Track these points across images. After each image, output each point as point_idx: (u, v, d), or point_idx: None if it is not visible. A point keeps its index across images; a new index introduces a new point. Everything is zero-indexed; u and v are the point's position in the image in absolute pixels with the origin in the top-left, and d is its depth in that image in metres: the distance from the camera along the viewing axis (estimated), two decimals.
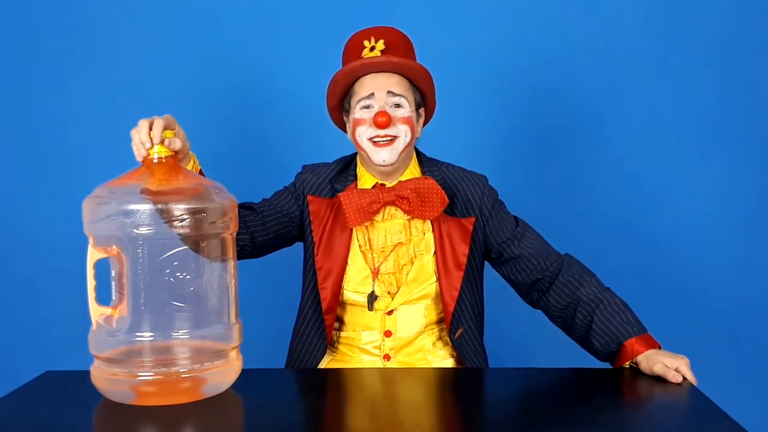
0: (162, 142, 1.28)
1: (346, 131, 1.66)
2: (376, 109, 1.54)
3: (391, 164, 1.56)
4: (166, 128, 1.30)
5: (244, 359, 1.33)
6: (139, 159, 1.30)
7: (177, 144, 1.30)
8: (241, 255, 1.59)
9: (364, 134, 1.55)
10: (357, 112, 1.56)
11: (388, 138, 1.53)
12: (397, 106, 1.55)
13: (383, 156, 1.54)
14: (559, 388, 1.39)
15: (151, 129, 1.28)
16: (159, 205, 1.19)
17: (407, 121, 1.55)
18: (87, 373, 1.27)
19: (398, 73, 1.56)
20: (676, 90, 2.27)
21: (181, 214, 1.20)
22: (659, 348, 1.46)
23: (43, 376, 1.41)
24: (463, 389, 1.41)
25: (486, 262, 1.69)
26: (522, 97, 2.30)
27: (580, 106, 2.29)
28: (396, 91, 1.55)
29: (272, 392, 1.33)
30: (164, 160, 1.28)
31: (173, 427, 1.15)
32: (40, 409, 1.24)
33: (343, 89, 1.60)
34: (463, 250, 1.59)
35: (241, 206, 1.58)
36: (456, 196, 1.62)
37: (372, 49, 1.55)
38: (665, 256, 2.30)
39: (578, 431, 1.16)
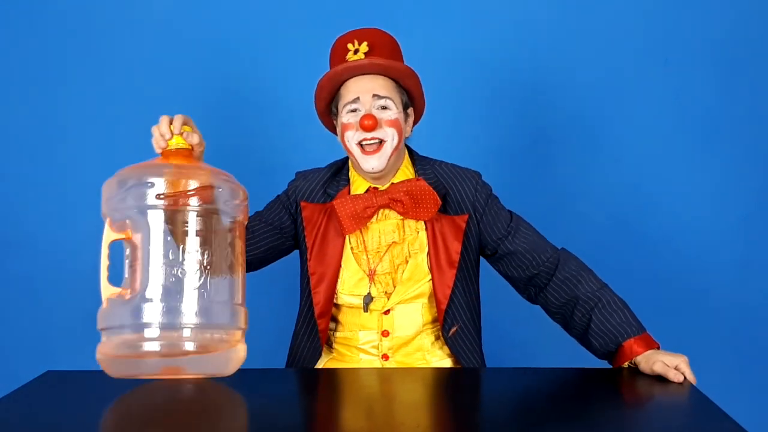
0: (180, 134, 1.36)
1: (336, 134, 1.66)
2: (362, 113, 1.54)
3: (380, 171, 1.56)
4: (184, 124, 1.37)
5: (245, 360, 1.33)
6: (158, 150, 1.36)
7: (195, 138, 1.37)
8: None
9: (352, 139, 1.55)
10: (344, 117, 1.56)
11: (376, 141, 1.54)
12: (384, 108, 1.55)
13: (372, 164, 1.54)
14: (559, 388, 1.39)
15: (171, 124, 1.36)
16: (175, 180, 1.24)
17: (394, 123, 1.55)
18: (88, 372, 1.28)
19: (383, 75, 1.56)
20: (676, 90, 2.27)
21: (195, 189, 1.25)
22: (658, 348, 1.46)
23: (44, 375, 1.41)
24: (462, 389, 1.41)
25: (482, 259, 1.69)
26: (520, 98, 2.30)
27: (579, 106, 2.29)
28: (381, 93, 1.55)
29: (273, 392, 1.33)
30: (181, 151, 1.35)
31: (175, 427, 1.15)
32: (41, 409, 1.24)
33: (329, 94, 1.60)
34: (455, 247, 1.59)
35: None
36: (449, 194, 1.62)
37: (356, 51, 1.54)
38: (665, 257, 2.30)
39: (578, 431, 1.16)
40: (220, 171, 1.33)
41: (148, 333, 1.21)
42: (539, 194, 2.27)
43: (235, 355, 1.29)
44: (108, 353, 1.24)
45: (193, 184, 1.26)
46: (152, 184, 1.24)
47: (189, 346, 1.22)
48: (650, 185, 2.30)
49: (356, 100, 1.55)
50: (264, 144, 2.31)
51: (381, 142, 1.54)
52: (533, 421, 1.20)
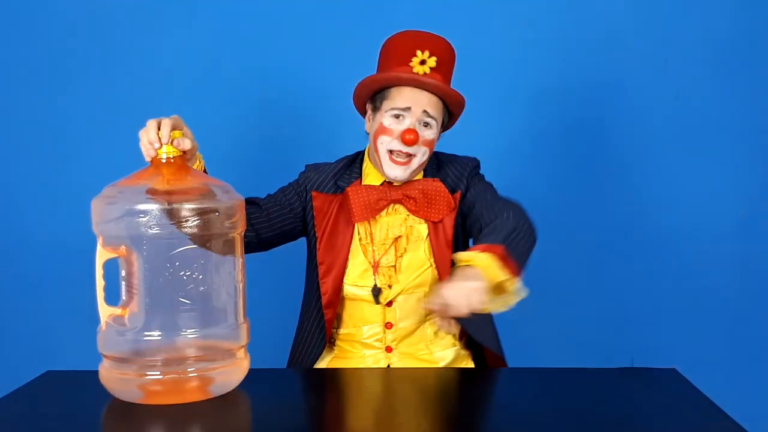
0: (171, 142, 1.28)
1: (364, 117, 1.66)
2: (407, 124, 1.54)
3: (402, 181, 1.58)
4: (174, 128, 1.30)
5: (250, 357, 1.33)
6: (148, 159, 1.30)
7: (186, 144, 1.30)
8: (247, 249, 1.58)
9: (386, 144, 1.56)
10: (386, 119, 1.56)
11: (407, 154, 1.54)
12: (427, 125, 1.56)
13: (396, 173, 1.56)
14: (560, 388, 1.39)
15: (159, 129, 1.29)
16: (167, 206, 1.20)
17: (429, 143, 1.57)
18: (88, 372, 1.27)
19: (439, 96, 1.57)
20: (676, 90, 2.27)
21: (190, 215, 1.21)
22: (501, 257, 1.31)
23: (44, 375, 1.41)
24: (463, 390, 1.41)
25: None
26: (519, 99, 2.30)
27: (579, 106, 2.29)
28: (431, 112, 1.55)
29: (276, 392, 1.33)
30: (172, 160, 1.28)
31: (178, 426, 1.15)
32: (41, 409, 1.24)
33: (381, 88, 1.59)
34: (449, 223, 1.59)
35: (247, 201, 1.57)
36: (448, 176, 1.63)
37: (422, 62, 1.53)
38: (665, 256, 2.30)
39: (578, 431, 1.16)
40: (215, 185, 1.29)
41: (150, 370, 1.21)
42: (540, 194, 2.27)
43: (239, 371, 1.29)
44: (111, 383, 1.24)
45: (185, 211, 1.21)
46: (142, 213, 1.19)
47: (192, 372, 1.22)
48: (650, 186, 2.30)
49: (407, 109, 1.55)
50: (268, 144, 2.31)
51: (411, 156, 1.55)
52: (534, 420, 1.20)
